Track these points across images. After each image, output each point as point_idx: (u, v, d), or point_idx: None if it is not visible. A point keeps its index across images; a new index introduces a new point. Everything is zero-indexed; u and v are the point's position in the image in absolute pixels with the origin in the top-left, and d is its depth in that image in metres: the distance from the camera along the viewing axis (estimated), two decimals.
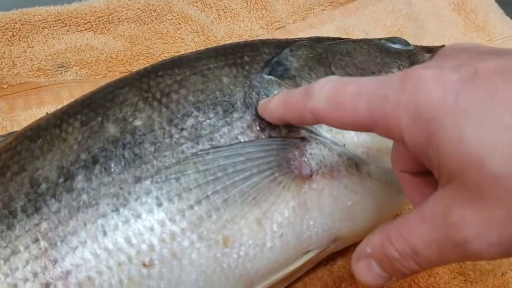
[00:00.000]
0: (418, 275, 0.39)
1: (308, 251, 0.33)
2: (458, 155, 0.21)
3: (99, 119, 0.34)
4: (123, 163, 0.32)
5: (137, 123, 0.33)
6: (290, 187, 0.32)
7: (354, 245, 0.40)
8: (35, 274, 0.29)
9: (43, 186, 0.31)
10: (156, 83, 0.36)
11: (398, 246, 0.25)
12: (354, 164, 0.34)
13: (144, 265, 0.30)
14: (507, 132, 0.20)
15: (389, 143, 0.35)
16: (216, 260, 0.31)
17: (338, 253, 0.40)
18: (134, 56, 0.51)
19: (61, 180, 0.31)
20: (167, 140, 0.32)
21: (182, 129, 0.33)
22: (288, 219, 0.32)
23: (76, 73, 0.49)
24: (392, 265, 0.25)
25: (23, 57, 0.49)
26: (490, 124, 0.20)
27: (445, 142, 0.22)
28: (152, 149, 0.32)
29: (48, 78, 0.49)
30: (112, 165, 0.32)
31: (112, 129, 0.33)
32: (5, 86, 0.47)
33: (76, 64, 0.49)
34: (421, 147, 0.23)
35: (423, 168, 0.28)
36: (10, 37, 0.49)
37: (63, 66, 0.49)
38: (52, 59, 0.49)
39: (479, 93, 0.21)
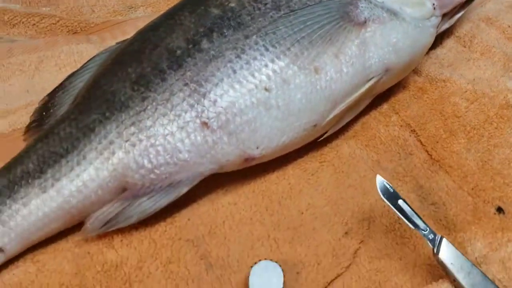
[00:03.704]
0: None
1: (370, 79, 0.46)
2: None
3: (202, 7, 0.46)
4: (232, 29, 0.44)
5: (232, 4, 0.45)
6: (352, 30, 0.45)
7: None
8: (191, 105, 0.41)
9: (178, 51, 0.43)
10: None
11: None
12: (393, 13, 0.46)
13: (265, 89, 0.42)
14: None
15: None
16: (312, 84, 0.43)
17: None
18: None
19: (190, 46, 0.43)
20: (257, 12, 0.45)
21: (266, 3, 0.45)
22: (355, 53, 0.45)
23: (144, 11, 0.60)
24: None
25: (98, 5, 0.60)
26: None
27: None
28: (249, 18, 0.44)
29: (123, 17, 0.60)
30: (225, 31, 0.43)
31: (215, 11, 0.45)
32: (92, 25, 0.58)
33: (142, 5, 0.61)
34: None
35: None
36: None
37: (132, 7, 0.60)
38: (122, 3, 0.60)
39: None
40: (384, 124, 0.51)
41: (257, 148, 0.42)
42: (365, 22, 0.45)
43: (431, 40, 0.51)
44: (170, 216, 0.44)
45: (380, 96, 0.52)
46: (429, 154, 0.49)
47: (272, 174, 0.47)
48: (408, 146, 0.50)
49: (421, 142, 0.50)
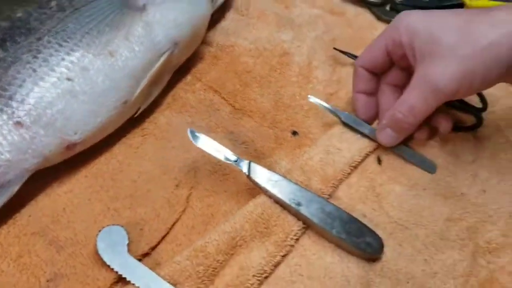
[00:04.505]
0: None
1: (163, 53, 0.53)
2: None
3: None
4: (23, 35, 0.47)
5: (19, 14, 0.49)
6: (135, 15, 0.51)
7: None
8: (0, 110, 0.44)
9: None
10: None
11: (401, 108, 0.46)
12: None
13: (67, 79, 0.46)
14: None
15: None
16: (110, 66, 0.49)
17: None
18: None
19: None
20: (44, 16, 0.49)
21: (51, 7, 0.49)
22: (142, 33, 0.51)
23: None
24: (399, 125, 0.47)
25: None
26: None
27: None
28: (38, 22, 0.48)
29: None
30: (17, 38, 0.47)
31: (4, 24, 0.48)
32: None
33: None
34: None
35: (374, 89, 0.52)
36: None
37: None
38: None
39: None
40: (191, 92, 0.59)
41: (75, 133, 0.47)
42: (144, 6, 0.52)
43: (207, 13, 0.59)
44: (11, 218, 0.46)
45: (183, 70, 0.60)
46: (232, 106, 0.58)
47: (101, 157, 0.52)
48: (214, 104, 0.58)
49: (224, 98, 0.58)
